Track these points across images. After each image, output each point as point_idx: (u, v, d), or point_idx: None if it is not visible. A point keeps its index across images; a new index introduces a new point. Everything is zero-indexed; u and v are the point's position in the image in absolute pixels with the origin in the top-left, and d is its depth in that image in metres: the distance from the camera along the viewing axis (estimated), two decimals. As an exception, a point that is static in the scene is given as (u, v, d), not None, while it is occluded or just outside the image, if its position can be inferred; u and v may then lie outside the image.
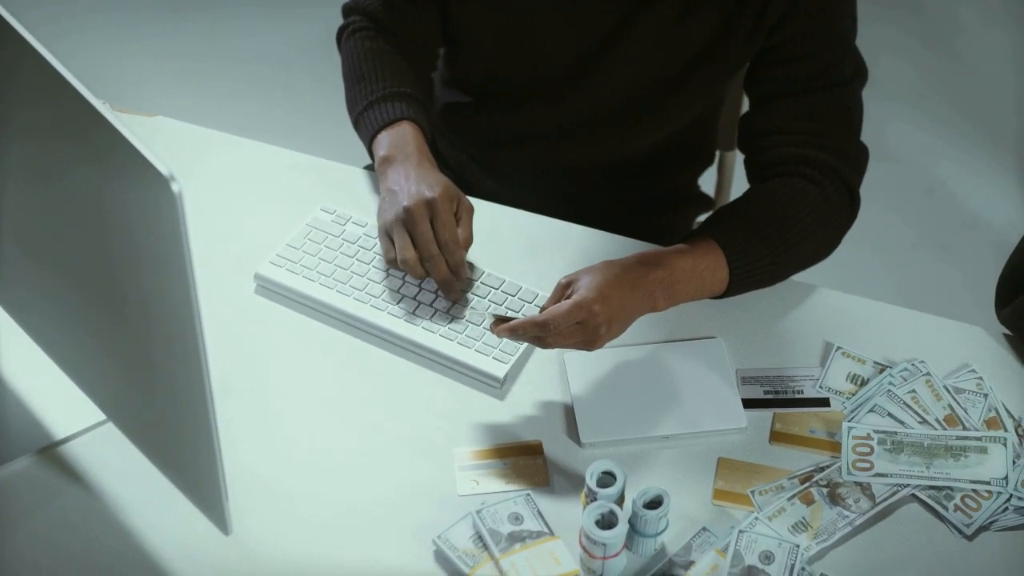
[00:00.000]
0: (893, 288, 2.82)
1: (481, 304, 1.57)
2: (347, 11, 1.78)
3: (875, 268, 2.84)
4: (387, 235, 1.54)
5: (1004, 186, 3.05)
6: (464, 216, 1.55)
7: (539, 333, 1.42)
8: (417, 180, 1.54)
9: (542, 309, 1.46)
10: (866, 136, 1.66)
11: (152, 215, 1.05)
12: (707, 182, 2.01)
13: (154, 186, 1.03)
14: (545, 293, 1.58)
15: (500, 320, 1.45)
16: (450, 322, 1.55)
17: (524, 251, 1.66)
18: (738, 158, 1.82)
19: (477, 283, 1.58)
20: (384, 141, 1.62)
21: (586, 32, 1.65)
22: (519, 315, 1.55)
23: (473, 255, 1.62)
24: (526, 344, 1.53)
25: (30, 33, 1.12)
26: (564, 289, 1.46)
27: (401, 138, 1.61)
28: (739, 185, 1.83)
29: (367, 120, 1.65)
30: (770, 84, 1.64)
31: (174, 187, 1.02)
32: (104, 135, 1.06)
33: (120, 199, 1.09)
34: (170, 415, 1.23)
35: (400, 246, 1.52)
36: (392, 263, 1.54)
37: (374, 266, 1.60)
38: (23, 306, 1.42)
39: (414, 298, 1.57)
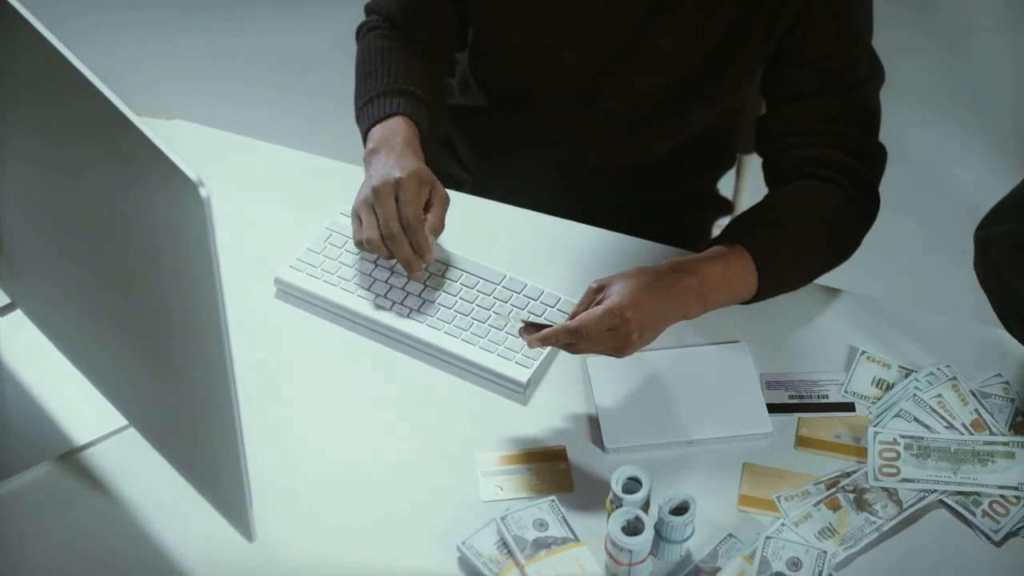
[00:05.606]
0: (907, 291, 2.80)
1: (503, 308, 1.56)
2: (367, 10, 1.78)
3: (889, 271, 2.82)
4: (356, 216, 1.55)
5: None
6: (437, 204, 1.55)
7: (571, 340, 1.41)
8: (392, 164, 1.55)
9: (571, 314, 1.45)
10: (880, 138, 1.65)
11: (179, 219, 1.04)
12: (724, 185, 2.00)
13: (182, 191, 1.02)
14: (567, 296, 1.57)
15: (530, 327, 1.44)
16: (472, 326, 1.54)
17: (544, 254, 1.64)
18: (755, 161, 1.81)
19: (499, 287, 1.57)
20: (375, 135, 1.62)
21: (606, 38, 1.64)
22: (543, 319, 1.54)
23: (493, 259, 1.61)
24: (549, 348, 1.52)
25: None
26: (595, 294, 1.45)
27: (390, 131, 1.61)
28: (755, 187, 1.82)
29: (365, 115, 1.65)
30: (787, 86, 1.63)
31: (202, 192, 1.01)
32: (131, 138, 1.05)
33: (146, 203, 1.08)
34: (195, 420, 1.22)
35: (365, 225, 1.52)
36: (359, 244, 1.54)
37: (395, 270, 1.59)
38: (44, 311, 1.41)
39: (435, 302, 1.56)
